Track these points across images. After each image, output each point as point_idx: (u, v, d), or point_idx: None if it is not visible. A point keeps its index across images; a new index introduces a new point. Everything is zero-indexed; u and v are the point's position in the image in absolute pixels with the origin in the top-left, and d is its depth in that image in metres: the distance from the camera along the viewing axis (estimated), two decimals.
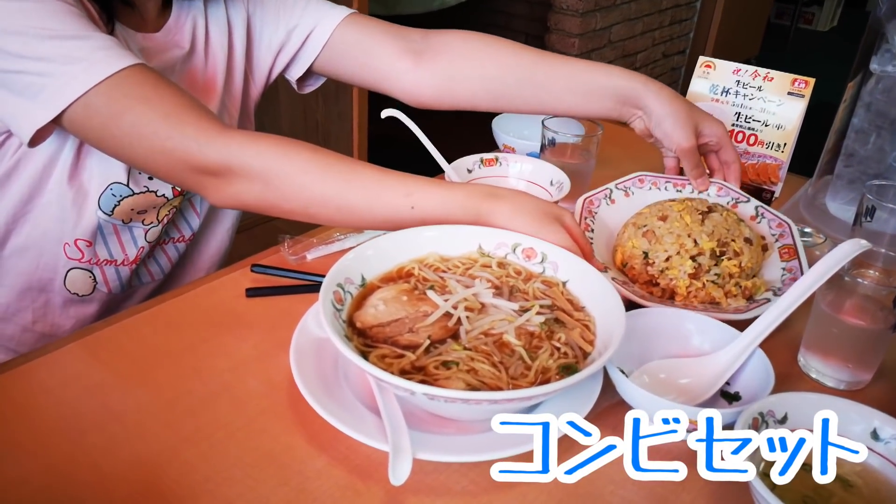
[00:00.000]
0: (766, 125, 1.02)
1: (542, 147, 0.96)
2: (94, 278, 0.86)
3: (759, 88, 1.02)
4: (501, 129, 1.08)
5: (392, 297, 0.64)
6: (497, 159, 0.96)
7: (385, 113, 0.87)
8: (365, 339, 0.61)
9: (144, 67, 0.68)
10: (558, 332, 0.62)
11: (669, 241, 0.76)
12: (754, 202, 0.86)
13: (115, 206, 0.80)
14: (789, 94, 1.01)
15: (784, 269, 0.78)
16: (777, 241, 0.82)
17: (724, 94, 1.04)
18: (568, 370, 0.58)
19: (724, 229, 0.77)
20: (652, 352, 0.67)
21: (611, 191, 0.89)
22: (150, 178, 0.82)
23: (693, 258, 0.75)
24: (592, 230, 0.83)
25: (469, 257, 0.72)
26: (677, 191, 0.91)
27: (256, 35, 0.91)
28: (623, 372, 0.61)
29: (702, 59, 1.06)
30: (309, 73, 0.95)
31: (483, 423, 0.58)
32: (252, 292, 0.75)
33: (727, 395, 0.64)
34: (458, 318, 0.62)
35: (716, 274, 0.74)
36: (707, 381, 0.64)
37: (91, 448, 0.57)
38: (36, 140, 0.68)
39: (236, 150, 0.67)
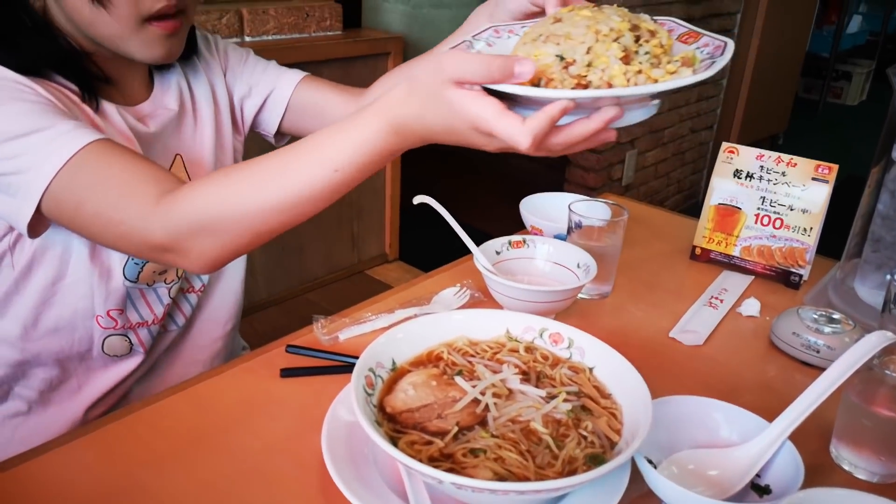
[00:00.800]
0: (791, 209, 1.03)
1: (569, 229, 0.99)
2: (130, 341, 0.89)
3: (783, 174, 1.04)
4: (529, 211, 1.11)
5: (422, 382, 0.66)
6: (524, 241, 0.99)
7: (417, 199, 0.91)
8: (395, 425, 0.62)
9: (98, 144, 0.68)
10: (585, 420, 0.63)
11: (581, 32, 0.61)
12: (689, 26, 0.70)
13: (139, 272, 0.84)
14: (814, 179, 1.02)
15: (696, 46, 0.65)
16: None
17: (749, 178, 1.06)
18: (595, 460, 0.59)
19: (634, 16, 0.64)
20: (679, 441, 0.67)
21: (470, 43, 0.73)
22: None
23: (616, 41, 0.60)
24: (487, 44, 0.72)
25: (497, 341, 0.74)
26: None
27: (231, 90, 0.98)
28: (651, 462, 0.61)
29: (725, 144, 1.09)
30: (281, 134, 1.03)
31: None
32: (286, 373, 0.77)
33: (757, 488, 0.64)
34: (486, 405, 0.63)
35: (646, 53, 0.60)
36: (737, 474, 0.64)
37: None
38: (34, 232, 0.71)
39: (171, 220, 0.66)
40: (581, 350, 0.72)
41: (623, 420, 0.64)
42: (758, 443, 0.64)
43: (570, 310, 0.93)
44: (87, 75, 0.78)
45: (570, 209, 0.98)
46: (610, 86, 0.59)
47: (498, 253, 0.97)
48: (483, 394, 0.64)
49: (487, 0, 0.84)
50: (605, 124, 0.57)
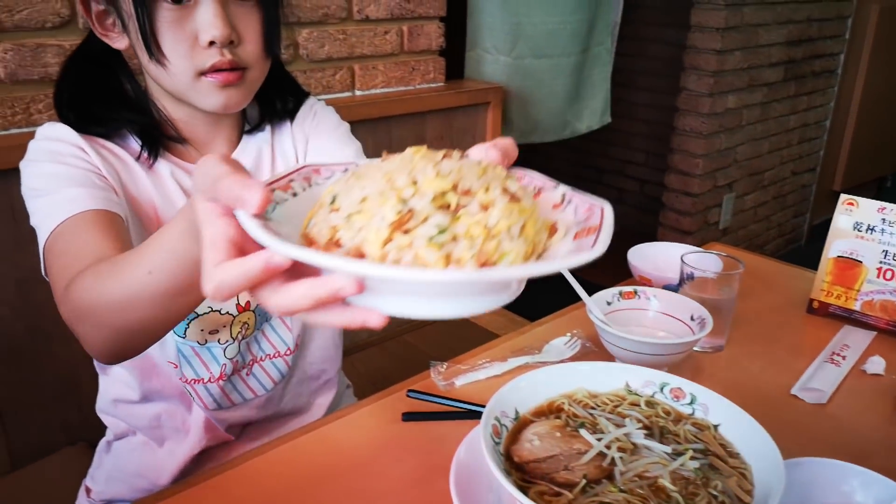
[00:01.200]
0: None
1: (681, 281, 0.99)
2: (191, 395, 0.93)
3: None
4: (637, 261, 1.12)
5: (546, 433, 0.67)
6: (636, 292, 0.99)
7: None
8: (523, 474, 0.63)
9: (78, 217, 0.73)
10: (714, 479, 0.63)
11: (374, 179, 0.46)
12: (563, 188, 0.55)
13: (186, 328, 0.88)
14: None
15: (574, 245, 0.47)
16: (578, 224, 0.50)
17: (870, 231, 1.03)
18: None
19: (473, 175, 0.46)
20: (810, 501, 0.65)
21: (357, 166, 0.54)
22: None
23: (404, 201, 0.44)
24: (294, 193, 0.52)
25: (617, 394, 0.74)
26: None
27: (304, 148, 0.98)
28: None
29: (843, 196, 1.06)
30: None
31: None
32: (408, 417, 0.80)
33: None
34: (612, 459, 0.64)
35: (437, 226, 0.42)
36: None
37: None
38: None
39: (66, 305, 0.67)
40: (704, 407, 0.71)
41: (754, 481, 0.63)
42: None
43: (683, 363, 0.93)
44: (157, 139, 0.85)
45: (682, 260, 0.98)
46: (361, 255, 0.42)
47: (609, 303, 0.98)
48: (608, 447, 0.65)
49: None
50: (332, 294, 0.40)
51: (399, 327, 1.94)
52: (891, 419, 0.85)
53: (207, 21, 0.75)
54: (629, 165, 3.51)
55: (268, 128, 0.96)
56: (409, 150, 0.49)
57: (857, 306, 1.04)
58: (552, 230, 0.49)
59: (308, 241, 0.45)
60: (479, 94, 1.92)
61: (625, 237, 1.16)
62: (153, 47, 0.76)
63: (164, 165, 0.87)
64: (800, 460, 0.67)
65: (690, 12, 2.71)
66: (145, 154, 0.85)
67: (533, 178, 0.56)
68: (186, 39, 0.77)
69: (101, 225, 0.75)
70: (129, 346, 0.68)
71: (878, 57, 3.48)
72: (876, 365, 0.94)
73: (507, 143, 0.54)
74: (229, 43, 0.78)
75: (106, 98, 0.85)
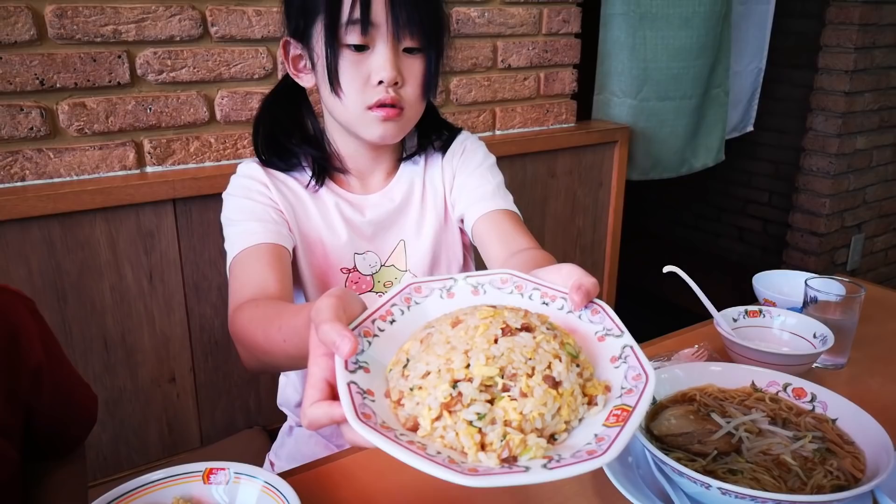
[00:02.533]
0: None
1: (805, 303, 1.08)
2: None
3: None
4: (762, 286, 1.21)
5: (681, 415, 0.80)
6: (760, 311, 1.09)
7: (667, 269, 1.06)
8: (661, 445, 0.77)
9: (250, 250, 0.95)
10: (830, 459, 0.73)
11: (438, 353, 0.56)
12: (627, 339, 0.59)
13: None
14: None
15: (595, 435, 0.52)
16: (620, 397, 0.55)
17: None
18: (840, 490, 0.69)
19: (521, 357, 0.55)
20: None
21: (455, 281, 0.67)
22: None
23: (455, 383, 0.53)
24: (393, 320, 0.62)
25: (744, 391, 0.86)
26: (543, 303, 0.66)
27: (449, 186, 1.11)
28: None
29: None
30: None
31: None
32: None
33: None
34: (740, 438, 0.76)
35: (477, 413, 0.52)
36: None
37: None
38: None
39: (231, 328, 0.88)
40: (824, 404, 0.82)
41: (866, 464, 0.73)
42: None
43: (805, 377, 1.01)
44: (325, 169, 1.05)
45: (806, 284, 1.08)
46: (416, 424, 0.53)
47: (734, 320, 1.09)
48: (736, 429, 0.77)
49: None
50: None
51: None
52: None
53: (380, 65, 0.92)
54: (751, 205, 3.51)
55: (421, 160, 1.12)
56: (478, 317, 0.58)
57: None
58: (606, 389, 0.56)
59: (387, 390, 0.56)
60: (608, 133, 2.07)
61: (748, 274, 1.26)
62: (334, 83, 0.94)
63: (327, 194, 1.06)
64: None
65: (818, 55, 2.74)
66: (313, 182, 1.04)
67: (604, 319, 0.62)
68: (361, 79, 0.93)
69: (269, 256, 0.96)
70: (267, 370, 0.91)
71: None
72: None
73: (591, 287, 0.62)
74: (394, 84, 0.94)
75: (291, 133, 1.06)
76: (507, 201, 1.09)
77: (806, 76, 2.87)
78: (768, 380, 0.86)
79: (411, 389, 0.55)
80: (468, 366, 0.54)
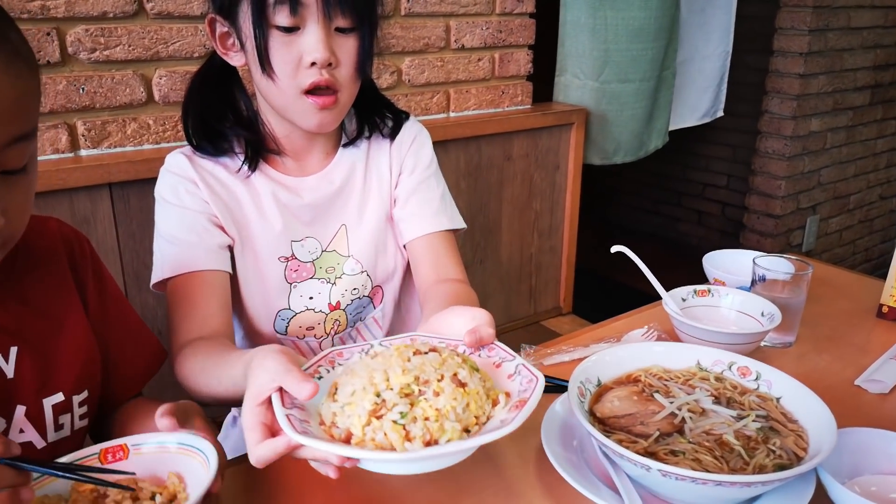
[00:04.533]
0: None
1: (753, 282, 1.07)
2: None
3: None
4: (712, 265, 1.21)
5: (624, 396, 0.78)
6: (709, 291, 1.08)
7: (615, 248, 1.04)
8: (603, 427, 0.75)
9: (187, 280, 0.95)
10: (773, 438, 0.72)
11: (361, 376, 0.67)
12: (519, 360, 0.72)
13: (286, 327, 1.03)
14: None
15: (501, 420, 0.64)
16: (520, 395, 0.67)
17: None
18: (783, 469, 0.68)
19: (431, 368, 0.66)
20: (862, 468, 0.74)
21: (371, 346, 0.77)
22: (311, 298, 1.03)
23: (378, 394, 0.64)
24: (320, 377, 0.72)
25: (689, 371, 0.85)
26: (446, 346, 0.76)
27: (397, 181, 1.09)
28: None
29: None
30: None
31: None
32: None
33: None
34: (683, 418, 0.75)
35: (400, 413, 0.62)
36: None
37: None
38: (158, 289, 1.00)
39: (175, 369, 0.91)
40: (769, 382, 0.81)
41: (809, 442, 0.72)
42: None
43: (753, 355, 1.01)
44: (259, 152, 1.01)
45: (754, 262, 1.07)
46: (349, 439, 0.63)
47: (684, 300, 1.07)
48: (679, 409, 0.76)
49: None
50: (337, 462, 0.62)
51: None
52: None
53: (312, 45, 0.88)
54: (709, 188, 3.54)
55: (364, 144, 1.08)
56: (392, 349, 0.71)
57: None
58: (507, 396, 0.68)
59: (320, 420, 0.66)
60: (564, 115, 2.05)
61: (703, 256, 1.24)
62: (265, 65, 0.90)
63: (261, 179, 1.02)
64: (852, 429, 0.75)
65: (773, 38, 2.76)
66: (246, 166, 1.00)
67: (499, 352, 0.75)
68: (293, 60, 0.89)
69: (208, 286, 0.96)
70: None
71: None
72: None
73: (486, 338, 0.74)
74: (328, 65, 0.91)
75: (223, 115, 1.00)
76: (449, 217, 1.10)
77: (762, 60, 2.89)
78: (714, 359, 0.85)
79: (342, 408, 0.65)
80: (388, 379, 0.65)
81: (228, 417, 1.19)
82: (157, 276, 0.98)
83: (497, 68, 1.94)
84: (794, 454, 0.70)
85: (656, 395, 0.78)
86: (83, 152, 1.37)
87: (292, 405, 0.65)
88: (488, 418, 0.66)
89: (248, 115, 1.02)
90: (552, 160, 2.08)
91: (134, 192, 1.36)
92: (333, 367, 0.74)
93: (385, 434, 0.62)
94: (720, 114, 2.69)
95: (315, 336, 1.06)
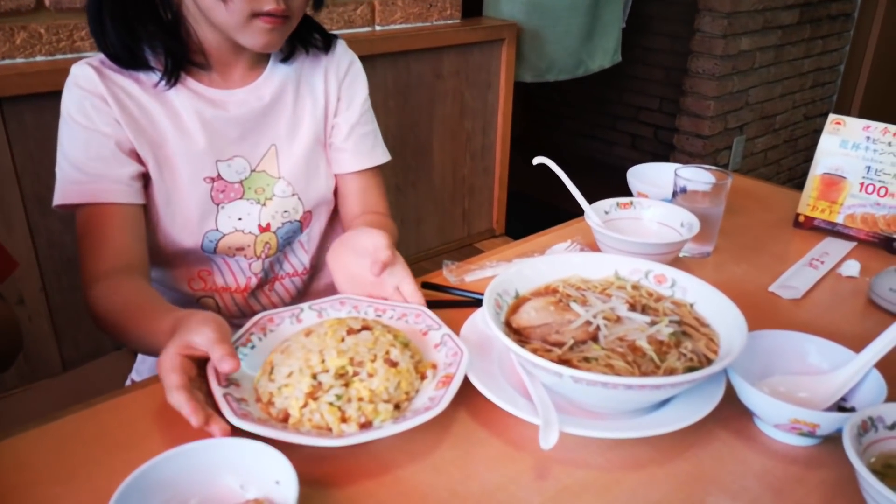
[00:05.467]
0: None
1: (674, 193, 1.07)
2: (217, 304, 1.04)
3: (889, 144, 1.08)
4: (636, 178, 1.20)
5: (541, 307, 0.77)
6: (632, 203, 1.08)
7: (537, 160, 1.02)
8: (519, 337, 0.74)
9: (99, 211, 0.90)
10: (685, 342, 0.73)
11: (298, 356, 0.69)
12: (444, 330, 0.78)
13: (215, 247, 0.98)
14: None
15: (430, 398, 0.69)
16: (444, 369, 0.73)
17: (854, 148, 1.11)
18: (693, 371, 0.68)
19: (365, 348, 0.70)
20: (773, 369, 0.75)
21: (301, 309, 0.82)
22: (240, 219, 0.98)
23: (315, 376, 0.67)
24: (252, 346, 0.77)
25: (606, 280, 0.84)
26: (377, 315, 0.83)
27: (334, 110, 1.06)
28: None
29: (832, 116, 1.13)
30: None
31: (614, 414, 0.69)
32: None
33: (843, 410, 0.71)
34: (598, 326, 0.74)
35: (336, 395, 0.66)
36: (824, 397, 0.72)
37: None
38: (63, 209, 0.93)
39: (88, 302, 0.87)
40: (683, 289, 0.81)
41: (720, 344, 0.73)
42: (846, 370, 0.72)
43: (673, 265, 1.01)
44: (181, 64, 0.92)
45: (675, 174, 1.06)
46: (286, 418, 0.66)
47: (606, 213, 1.07)
48: (595, 317, 0.75)
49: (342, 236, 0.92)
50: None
51: (417, 254, 2.05)
52: (861, 313, 0.94)
53: None
54: (643, 111, 3.55)
55: (295, 64, 1.02)
56: (325, 325, 0.74)
57: (839, 220, 1.12)
58: (434, 368, 0.74)
59: (257, 396, 0.70)
60: (494, 30, 1.98)
61: None
62: None
63: (180, 93, 0.94)
64: (764, 332, 0.76)
65: None
66: (164, 80, 0.92)
67: (425, 319, 0.81)
68: None
69: (121, 220, 0.90)
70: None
71: None
72: (851, 268, 1.03)
73: (386, 258, 0.82)
74: None
75: (143, 19, 0.90)
76: (381, 152, 1.11)
77: None
78: (631, 268, 0.84)
79: (279, 389, 0.68)
80: (323, 361, 0.69)
81: None
82: (59, 199, 0.92)
83: None
84: (706, 357, 0.71)
85: (572, 305, 0.77)
86: None
87: (228, 383, 0.69)
88: (416, 392, 0.71)
89: (169, 20, 0.92)
90: (483, 78, 2.03)
91: (29, 108, 1.26)
92: (265, 334, 0.79)
93: (322, 415, 0.66)
94: (623, 24, 2.56)
95: (245, 256, 1.02)
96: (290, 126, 1.02)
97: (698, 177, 1.06)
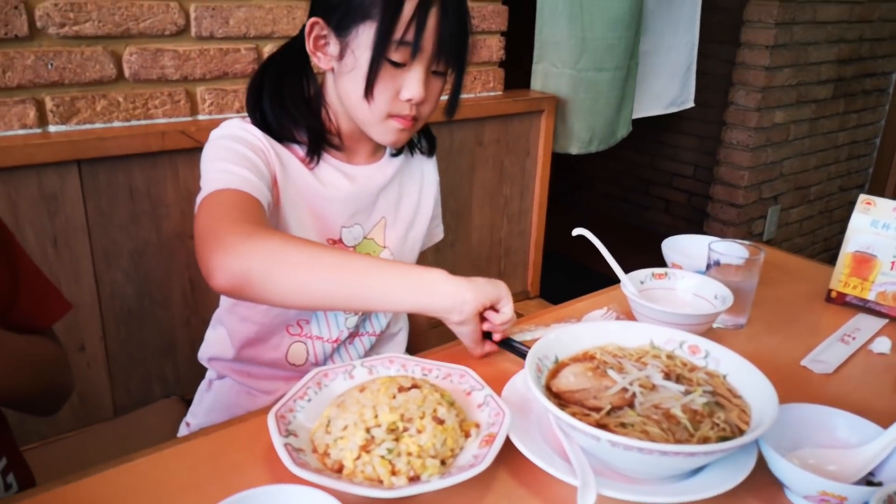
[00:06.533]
0: None
1: (708, 266, 1.12)
2: (307, 350, 1.11)
3: None
4: (670, 249, 1.25)
5: (580, 372, 0.82)
6: (666, 274, 1.13)
7: (576, 231, 1.08)
8: (559, 400, 0.78)
9: (237, 194, 0.90)
10: (718, 412, 0.76)
11: (353, 411, 0.75)
12: (487, 391, 0.83)
13: None
14: None
15: (474, 456, 0.73)
16: (488, 429, 0.77)
17: (885, 228, 1.14)
18: (725, 441, 0.72)
19: (415, 406, 0.75)
20: (803, 441, 0.78)
21: (354, 366, 0.88)
22: None
23: (368, 430, 0.73)
24: (309, 399, 0.82)
25: (642, 349, 0.88)
26: (423, 374, 0.88)
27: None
28: None
29: (862, 196, 1.18)
30: None
31: (649, 479, 0.73)
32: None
33: (871, 484, 0.73)
34: (633, 393, 0.78)
35: (387, 449, 0.71)
36: (853, 470, 0.74)
37: None
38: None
39: (240, 259, 0.82)
40: (717, 360, 0.85)
41: (752, 416, 0.76)
42: (874, 445, 0.75)
43: (706, 336, 1.05)
44: (321, 144, 1.04)
45: (709, 248, 1.11)
46: (341, 469, 0.71)
47: (642, 282, 1.11)
48: (631, 384, 0.79)
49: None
50: None
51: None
52: (891, 389, 0.96)
53: (413, 85, 0.96)
54: (677, 178, 3.61)
55: (405, 147, 1.15)
56: (378, 383, 0.80)
57: (871, 296, 1.15)
58: (477, 427, 0.78)
59: (313, 447, 0.75)
60: (534, 102, 2.08)
61: None
62: (369, 91, 0.95)
63: (322, 164, 1.06)
64: (794, 405, 0.79)
65: (741, 30, 2.81)
66: (309, 154, 1.04)
67: (469, 381, 0.87)
68: (392, 91, 0.96)
69: (260, 210, 0.92)
70: (255, 299, 0.86)
71: None
72: (882, 345, 1.05)
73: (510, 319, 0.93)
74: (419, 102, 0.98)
75: (296, 102, 1.03)
76: (440, 231, 1.30)
77: (730, 51, 2.94)
78: (666, 338, 0.89)
79: (335, 441, 0.73)
80: (376, 416, 0.74)
81: (203, 384, 1.22)
82: (205, 193, 0.92)
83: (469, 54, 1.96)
84: (738, 427, 0.74)
85: (610, 371, 0.82)
86: (52, 128, 1.36)
87: (287, 433, 0.74)
88: (461, 449, 0.76)
89: (315, 104, 1.05)
90: (523, 146, 2.12)
91: (104, 169, 1.36)
92: (320, 389, 0.85)
93: (374, 467, 0.70)
94: (690, 104, 2.74)
95: (343, 311, 1.10)
96: (396, 204, 1.15)
97: (732, 251, 1.11)
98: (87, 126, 1.39)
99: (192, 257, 1.50)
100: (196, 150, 1.44)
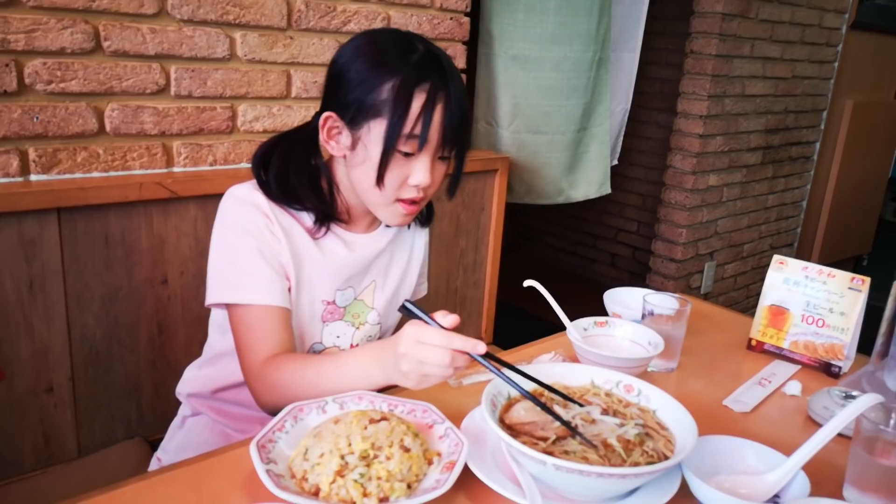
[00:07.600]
0: (831, 311, 1.26)
1: (643, 316, 1.25)
2: None
3: (824, 283, 1.27)
4: (611, 301, 1.38)
5: (530, 408, 0.92)
6: (607, 322, 1.25)
7: (527, 283, 1.20)
8: (511, 432, 0.88)
9: (271, 311, 1.05)
10: (647, 441, 0.88)
11: (328, 440, 0.84)
12: (447, 424, 0.93)
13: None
14: (850, 288, 1.25)
15: (436, 480, 0.83)
16: (448, 457, 0.87)
17: (795, 285, 1.30)
18: (653, 465, 0.83)
19: (384, 436, 0.85)
20: (720, 468, 0.90)
21: (326, 402, 0.96)
22: (338, 336, 1.17)
23: (343, 457, 0.81)
24: (286, 431, 0.90)
25: (584, 387, 1.00)
26: (389, 409, 0.96)
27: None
28: None
29: (776, 256, 1.33)
30: None
31: (588, 500, 0.83)
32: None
33: None
34: (576, 425, 0.89)
35: (360, 473, 0.80)
36: (761, 494, 0.86)
37: None
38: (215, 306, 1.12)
39: (264, 383, 1.02)
40: (648, 397, 0.97)
41: (676, 445, 0.88)
42: (779, 471, 0.87)
43: (641, 378, 1.17)
44: (327, 219, 1.13)
45: (644, 299, 1.24)
46: (318, 492, 0.79)
47: (585, 329, 1.24)
48: (574, 418, 0.90)
49: None
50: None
51: None
52: (800, 427, 1.10)
53: (420, 172, 1.04)
54: (622, 233, 3.81)
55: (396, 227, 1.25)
56: (351, 416, 0.88)
57: (785, 345, 1.30)
58: (439, 456, 0.88)
59: (292, 473, 0.83)
60: (489, 162, 2.23)
61: None
62: (381, 178, 1.04)
63: (331, 238, 1.14)
64: (713, 437, 0.91)
65: (678, 100, 3.06)
66: (316, 227, 1.11)
67: (431, 415, 0.96)
68: (401, 178, 1.05)
69: (286, 322, 1.07)
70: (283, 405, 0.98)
71: (852, 146, 3.83)
72: (793, 388, 1.19)
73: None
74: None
75: (302, 178, 1.10)
76: (425, 288, 1.39)
77: (669, 119, 3.18)
78: (605, 378, 1.00)
79: (312, 467, 0.82)
80: (350, 444, 0.83)
81: (175, 421, 1.27)
82: (222, 297, 1.07)
83: None
84: (664, 455, 0.86)
85: (556, 407, 0.92)
86: (33, 177, 1.43)
87: (268, 461, 0.83)
88: (425, 475, 0.85)
89: (322, 184, 1.13)
90: (478, 202, 2.25)
91: (82, 217, 1.43)
92: (296, 422, 0.93)
93: (347, 490, 0.79)
94: (615, 162, 2.91)
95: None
96: (386, 270, 1.24)
97: (663, 302, 1.24)
98: (68, 176, 1.47)
99: (160, 303, 1.57)
100: (171, 201, 1.54)
